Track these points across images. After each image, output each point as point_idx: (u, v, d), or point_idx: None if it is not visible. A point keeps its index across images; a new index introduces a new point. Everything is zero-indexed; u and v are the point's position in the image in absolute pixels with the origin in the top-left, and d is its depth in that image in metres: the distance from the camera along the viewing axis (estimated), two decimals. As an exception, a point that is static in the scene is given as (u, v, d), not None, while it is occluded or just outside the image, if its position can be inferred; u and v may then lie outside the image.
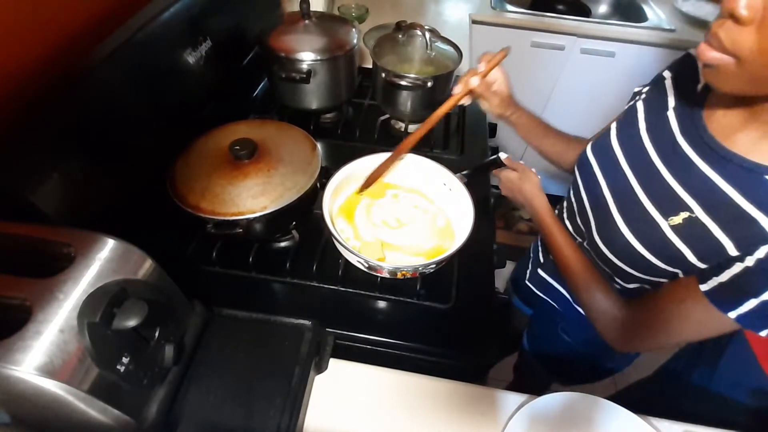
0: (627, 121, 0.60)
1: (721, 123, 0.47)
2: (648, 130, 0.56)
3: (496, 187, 0.79)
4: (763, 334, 0.42)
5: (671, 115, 0.53)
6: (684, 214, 0.47)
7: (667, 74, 0.58)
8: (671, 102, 0.55)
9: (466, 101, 0.69)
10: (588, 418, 0.57)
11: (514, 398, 0.58)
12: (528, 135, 0.76)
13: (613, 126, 0.62)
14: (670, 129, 0.53)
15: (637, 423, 0.56)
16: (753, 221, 0.42)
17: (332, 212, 0.67)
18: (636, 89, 0.66)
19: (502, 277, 0.75)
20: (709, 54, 0.39)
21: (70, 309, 0.36)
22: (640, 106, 0.59)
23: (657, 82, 0.59)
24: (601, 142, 0.63)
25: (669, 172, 0.51)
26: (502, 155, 0.72)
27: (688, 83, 0.54)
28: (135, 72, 0.63)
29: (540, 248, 0.83)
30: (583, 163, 0.64)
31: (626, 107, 0.65)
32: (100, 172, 0.59)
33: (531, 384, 1.15)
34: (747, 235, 0.42)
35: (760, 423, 0.75)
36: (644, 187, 0.53)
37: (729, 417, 0.73)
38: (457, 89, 0.65)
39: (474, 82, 0.64)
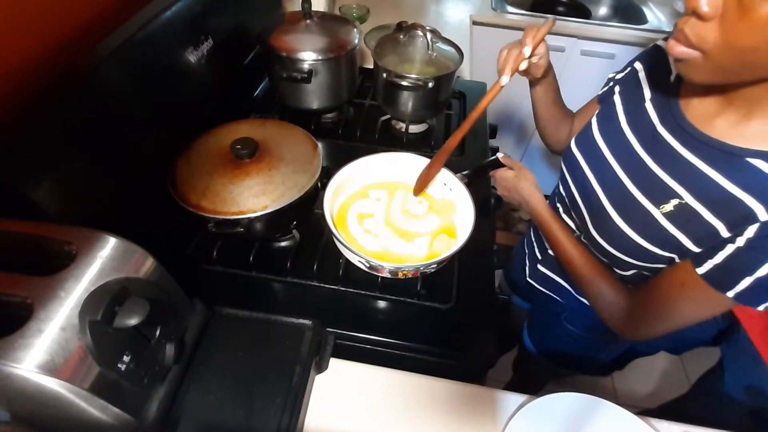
0: (607, 115, 0.61)
1: (698, 110, 0.49)
2: (628, 122, 0.57)
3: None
4: (760, 308, 0.44)
5: (649, 106, 0.55)
6: (674, 201, 0.49)
7: (639, 66, 0.60)
8: (647, 94, 0.56)
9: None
10: (588, 418, 0.57)
11: (514, 398, 0.58)
12: (543, 99, 0.72)
13: (594, 120, 0.63)
14: (649, 120, 0.54)
15: (637, 423, 0.56)
16: (739, 202, 0.43)
17: (333, 212, 0.67)
18: (610, 75, 0.67)
19: (496, 275, 0.75)
20: (677, 49, 0.41)
21: (72, 307, 0.36)
22: (617, 100, 0.60)
23: (631, 75, 0.60)
24: (584, 137, 0.64)
25: (654, 161, 0.52)
26: (500, 154, 0.72)
27: (661, 74, 0.55)
28: (136, 71, 0.63)
29: (535, 244, 0.83)
30: (569, 158, 0.65)
31: (600, 93, 0.67)
32: (102, 170, 0.59)
33: (532, 378, 1.15)
34: (736, 217, 0.44)
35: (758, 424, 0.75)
36: (632, 178, 0.54)
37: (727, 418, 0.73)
38: (505, 78, 0.58)
39: (523, 66, 0.59)
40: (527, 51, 0.57)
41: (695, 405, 0.95)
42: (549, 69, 0.67)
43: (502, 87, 0.59)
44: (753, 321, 0.72)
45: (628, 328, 0.58)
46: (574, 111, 0.76)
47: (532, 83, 0.70)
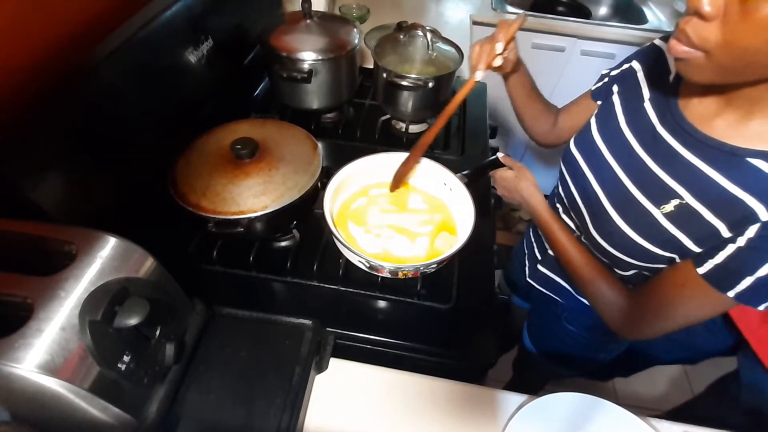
0: (606, 115, 0.61)
1: (697, 110, 0.49)
2: (628, 123, 0.57)
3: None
4: (761, 308, 0.44)
5: (648, 106, 0.55)
6: (675, 202, 0.49)
7: (637, 66, 0.60)
8: (646, 93, 0.56)
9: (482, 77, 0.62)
10: (588, 418, 0.57)
11: (514, 398, 0.58)
12: (515, 92, 0.74)
13: (593, 121, 0.63)
14: (648, 120, 0.54)
15: (636, 423, 0.56)
16: (740, 202, 0.43)
17: (333, 212, 0.67)
18: (603, 72, 0.67)
19: (496, 275, 0.76)
20: (679, 48, 0.41)
21: (72, 307, 0.36)
22: (616, 100, 0.60)
23: (629, 75, 0.60)
24: (583, 138, 0.64)
25: (654, 162, 0.52)
26: (500, 154, 0.72)
27: (660, 74, 0.55)
28: (136, 70, 0.63)
29: (535, 244, 0.83)
30: (568, 158, 0.65)
31: (594, 88, 0.67)
32: (102, 170, 0.59)
33: (532, 379, 1.15)
34: (736, 217, 0.44)
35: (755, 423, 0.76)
36: (632, 179, 0.54)
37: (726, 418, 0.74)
38: (479, 74, 0.59)
39: (497, 62, 0.60)
40: (500, 47, 0.58)
41: (708, 409, 0.96)
42: (519, 63, 0.68)
43: (476, 82, 0.60)
44: (763, 344, 0.72)
45: (628, 329, 0.58)
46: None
47: (505, 78, 0.72)
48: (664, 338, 0.55)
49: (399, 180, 0.70)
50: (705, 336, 0.85)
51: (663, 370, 1.51)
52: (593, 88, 0.67)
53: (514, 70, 0.69)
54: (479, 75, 0.59)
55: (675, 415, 1.09)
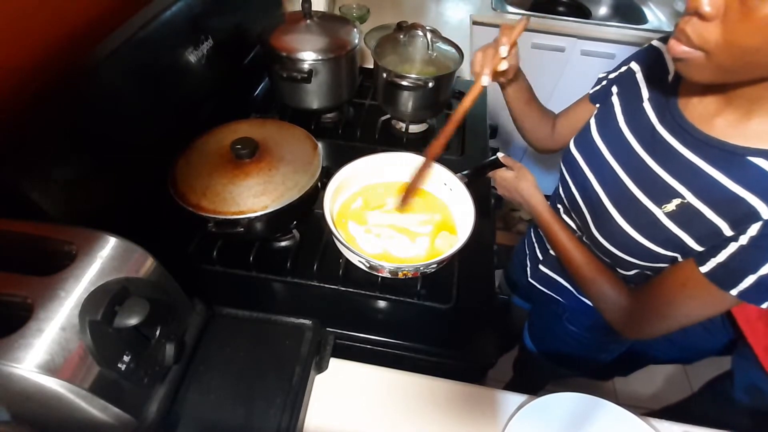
0: (605, 116, 0.61)
1: (697, 109, 0.49)
2: (627, 123, 0.57)
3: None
4: (764, 306, 0.44)
5: (647, 106, 0.55)
6: (676, 201, 0.49)
7: (636, 67, 0.60)
8: (645, 94, 0.56)
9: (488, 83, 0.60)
10: (588, 418, 0.57)
11: (514, 398, 0.58)
12: (514, 99, 0.73)
13: (593, 121, 0.63)
14: (648, 120, 0.54)
15: (636, 423, 0.56)
16: (741, 201, 0.43)
17: (333, 212, 0.67)
18: (601, 75, 0.67)
19: (496, 275, 0.75)
20: (678, 48, 0.41)
21: (72, 307, 0.36)
22: (615, 101, 0.60)
23: (628, 76, 0.60)
24: (583, 138, 0.64)
25: (654, 161, 0.52)
26: (500, 154, 0.72)
27: (659, 75, 0.55)
28: (136, 70, 0.63)
29: (536, 244, 0.83)
30: (568, 159, 0.65)
31: (592, 91, 0.67)
32: (102, 170, 0.59)
33: (533, 379, 1.15)
34: (738, 215, 0.44)
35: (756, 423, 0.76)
36: (633, 179, 0.54)
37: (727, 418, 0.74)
38: (485, 79, 0.58)
39: (502, 66, 0.59)
40: (504, 51, 0.57)
41: (701, 407, 0.96)
42: (519, 70, 0.68)
43: (483, 87, 0.59)
44: (758, 336, 0.72)
45: (630, 328, 0.58)
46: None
47: (504, 87, 0.71)
48: (663, 338, 0.55)
49: (407, 198, 0.67)
50: (703, 335, 0.85)
51: (663, 369, 1.51)
52: (591, 91, 0.67)
53: (513, 77, 0.68)
54: (485, 80, 0.58)
55: (670, 412, 1.09)
